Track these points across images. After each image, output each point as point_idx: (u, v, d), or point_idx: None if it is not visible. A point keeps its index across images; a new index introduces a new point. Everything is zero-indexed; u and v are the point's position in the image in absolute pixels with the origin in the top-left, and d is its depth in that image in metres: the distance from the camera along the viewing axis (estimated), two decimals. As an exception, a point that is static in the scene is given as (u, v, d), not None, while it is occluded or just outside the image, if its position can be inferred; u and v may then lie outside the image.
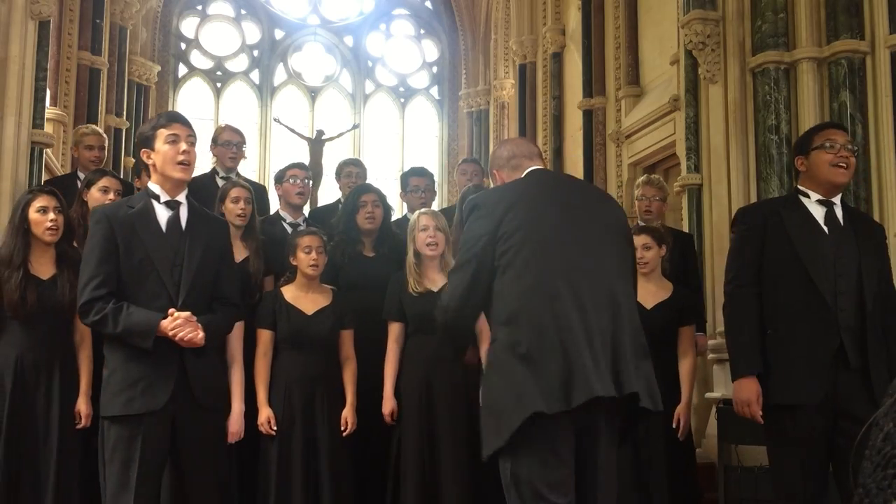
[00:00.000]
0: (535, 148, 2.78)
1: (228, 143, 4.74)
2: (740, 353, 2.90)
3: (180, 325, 2.65)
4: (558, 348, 2.28)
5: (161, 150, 2.77)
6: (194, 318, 2.69)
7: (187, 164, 2.78)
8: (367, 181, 5.00)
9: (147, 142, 2.80)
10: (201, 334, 2.68)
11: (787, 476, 2.82)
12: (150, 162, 2.81)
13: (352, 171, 5.04)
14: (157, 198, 2.80)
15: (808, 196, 2.95)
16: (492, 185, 2.77)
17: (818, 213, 2.93)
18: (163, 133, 2.77)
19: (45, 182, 5.80)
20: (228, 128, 4.93)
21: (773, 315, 2.87)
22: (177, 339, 2.65)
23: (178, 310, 2.69)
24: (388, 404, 3.66)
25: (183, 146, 2.76)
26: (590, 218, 2.50)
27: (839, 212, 2.94)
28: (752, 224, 3.00)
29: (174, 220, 2.80)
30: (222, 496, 2.94)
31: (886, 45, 4.73)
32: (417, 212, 3.87)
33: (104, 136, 5.46)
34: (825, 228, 2.90)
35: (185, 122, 2.84)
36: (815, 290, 2.81)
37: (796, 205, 2.97)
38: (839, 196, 2.98)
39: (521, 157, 2.68)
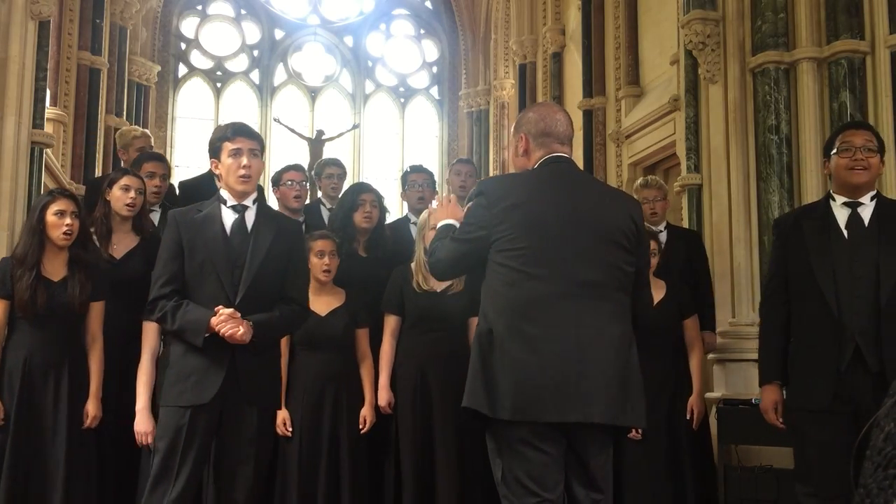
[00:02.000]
0: (570, 128, 2.60)
1: None
2: (762, 363, 3.06)
3: (223, 320, 2.74)
4: (524, 364, 2.31)
5: (225, 163, 2.89)
6: (238, 315, 2.76)
7: (248, 178, 2.88)
8: (365, 181, 4.96)
9: (215, 153, 2.93)
10: (242, 330, 2.74)
11: (810, 478, 2.83)
12: (217, 172, 2.95)
13: (333, 173, 4.98)
14: (225, 202, 2.92)
15: (835, 199, 2.95)
16: (513, 141, 2.66)
17: (842, 216, 2.91)
18: (227, 146, 2.89)
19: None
20: None
21: (794, 324, 2.97)
22: (220, 334, 2.74)
23: (235, 310, 2.78)
24: (385, 395, 3.70)
25: (244, 160, 2.86)
26: (594, 229, 2.44)
27: (866, 212, 2.90)
28: (778, 234, 3.11)
29: (239, 223, 2.90)
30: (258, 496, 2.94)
31: (886, 45, 4.72)
32: (426, 210, 3.87)
33: (150, 135, 5.46)
34: (845, 233, 2.88)
35: (248, 135, 2.93)
36: (823, 299, 2.82)
37: (820, 211, 2.98)
38: (869, 195, 2.92)
39: (551, 138, 2.54)
